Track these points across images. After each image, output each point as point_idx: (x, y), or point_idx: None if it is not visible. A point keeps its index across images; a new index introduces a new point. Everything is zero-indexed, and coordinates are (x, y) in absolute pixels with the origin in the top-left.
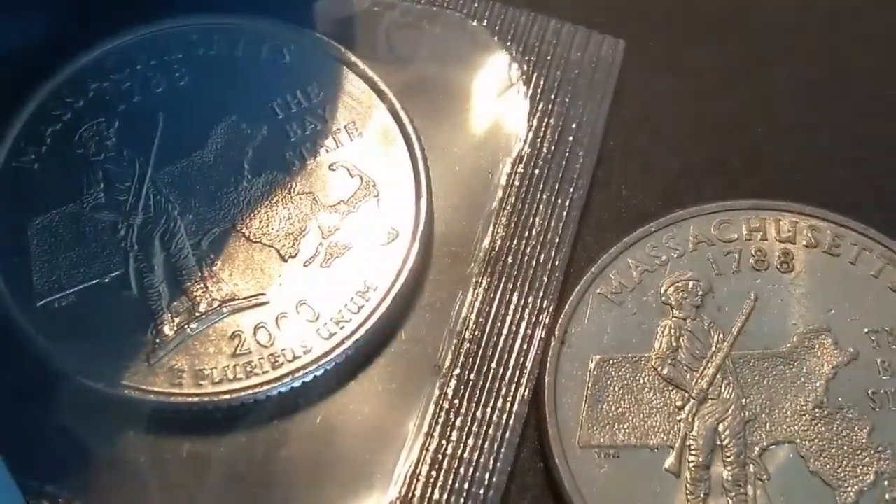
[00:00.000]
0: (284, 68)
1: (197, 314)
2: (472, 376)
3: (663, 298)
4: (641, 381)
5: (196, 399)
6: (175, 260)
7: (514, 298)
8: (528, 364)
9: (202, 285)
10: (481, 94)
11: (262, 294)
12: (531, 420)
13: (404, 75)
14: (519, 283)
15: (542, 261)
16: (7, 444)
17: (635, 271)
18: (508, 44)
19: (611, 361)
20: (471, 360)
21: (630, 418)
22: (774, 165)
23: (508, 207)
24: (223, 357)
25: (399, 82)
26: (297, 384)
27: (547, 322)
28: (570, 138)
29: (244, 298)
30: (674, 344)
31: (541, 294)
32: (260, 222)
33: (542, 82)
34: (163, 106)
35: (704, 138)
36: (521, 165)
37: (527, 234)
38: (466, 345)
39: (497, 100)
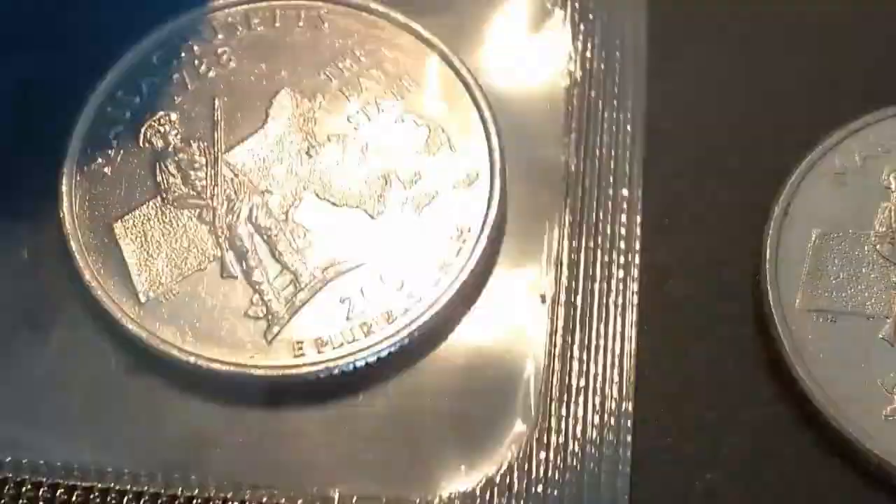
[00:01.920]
0: (326, 36)
1: (301, 286)
2: (577, 301)
3: (885, 183)
4: (860, 256)
5: (322, 366)
6: (267, 237)
7: (601, 225)
8: (630, 287)
9: (300, 256)
10: (523, 25)
11: (360, 255)
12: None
13: (444, 19)
14: (602, 204)
15: (617, 179)
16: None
17: (857, 156)
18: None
19: (831, 235)
20: (574, 284)
21: (848, 288)
22: None
23: (574, 132)
24: (338, 322)
25: (441, 27)
26: (415, 334)
27: (637, 248)
28: (617, 54)
29: (343, 262)
30: (893, 225)
31: (624, 216)
32: (341, 186)
33: (577, 3)
34: (217, 90)
35: None
36: (577, 89)
37: (597, 153)
38: (566, 271)
39: (539, 28)
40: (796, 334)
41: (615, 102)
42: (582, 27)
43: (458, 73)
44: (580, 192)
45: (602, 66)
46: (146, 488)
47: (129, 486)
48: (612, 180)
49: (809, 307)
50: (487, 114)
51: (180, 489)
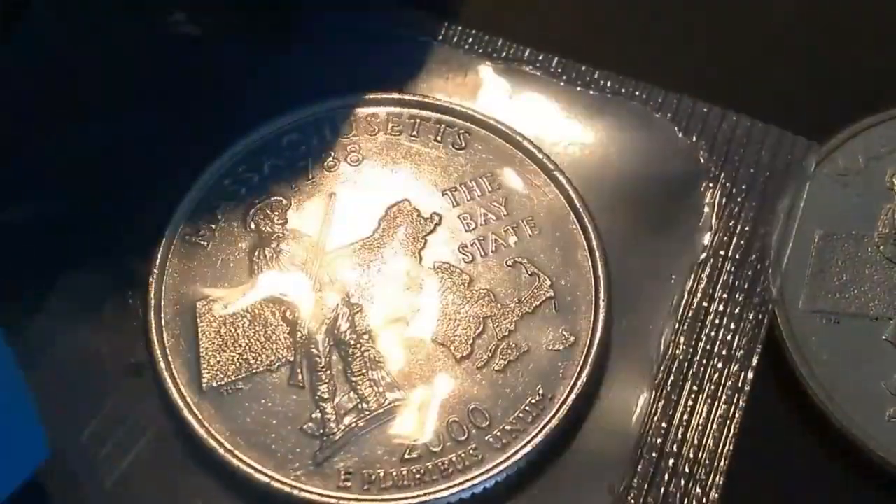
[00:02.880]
0: (461, 157)
1: (366, 413)
2: (649, 500)
3: (888, 184)
4: (863, 258)
5: None
6: (345, 353)
7: (695, 418)
8: (712, 490)
9: (371, 382)
10: (664, 191)
11: (433, 396)
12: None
13: (584, 167)
14: (700, 401)
15: (724, 377)
16: None
17: (861, 157)
18: (694, 139)
19: (835, 237)
20: (647, 482)
21: (851, 289)
22: None
23: (689, 316)
24: (392, 462)
25: (579, 174)
26: (465, 496)
27: (733, 443)
28: (757, 244)
29: (414, 399)
30: None
31: (726, 412)
32: (434, 318)
33: (729, 184)
34: (337, 186)
35: None
36: (705, 273)
37: (709, 347)
38: (643, 464)
39: (681, 199)
40: (799, 336)
41: (740, 299)
42: (727, 210)
43: (583, 226)
44: (680, 382)
45: (737, 258)
46: None
47: None
48: (715, 382)
49: (813, 308)
50: (602, 279)
51: None
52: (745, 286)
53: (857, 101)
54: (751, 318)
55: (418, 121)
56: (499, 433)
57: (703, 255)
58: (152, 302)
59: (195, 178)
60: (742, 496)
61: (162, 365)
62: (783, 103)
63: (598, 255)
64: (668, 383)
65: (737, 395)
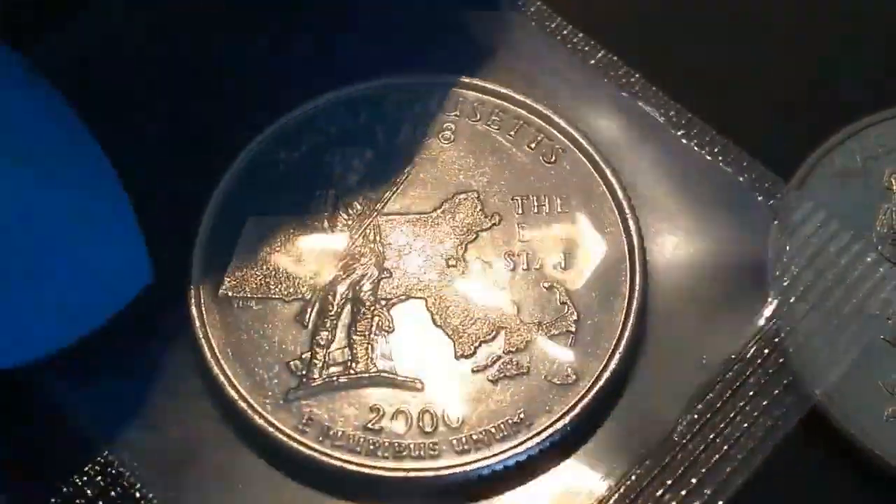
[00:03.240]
0: (546, 169)
1: (351, 371)
2: None
3: (885, 184)
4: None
5: (311, 453)
6: (356, 310)
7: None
8: None
9: (368, 345)
10: (733, 277)
11: (420, 381)
12: None
13: (662, 224)
14: (688, 490)
15: (717, 472)
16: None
17: (859, 157)
18: (788, 239)
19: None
20: None
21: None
22: None
23: (702, 408)
24: (355, 425)
25: (653, 228)
26: (406, 483)
27: None
28: (804, 355)
29: (402, 377)
30: (894, 226)
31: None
32: (453, 310)
33: (800, 301)
34: (420, 156)
35: None
36: (738, 365)
37: (710, 438)
38: None
39: (747, 291)
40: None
41: (765, 405)
42: (784, 307)
43: (632, 281)
44: (657, 470)
45: (779, 361)
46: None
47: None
48: (694, 486)
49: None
50: (628, 335)
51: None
52: (774, 393)
53: (854, 102)
54: (766, 425)
55: (521, 122)
56: (464, 438)
57: (742, 356)
58: (210, 203)
59: (295, 106)
60: (740, 494)
61: (194, 265)
62: (781, 103)
63: (634, 310)
64: (646, 466)
65: (719, 487)
